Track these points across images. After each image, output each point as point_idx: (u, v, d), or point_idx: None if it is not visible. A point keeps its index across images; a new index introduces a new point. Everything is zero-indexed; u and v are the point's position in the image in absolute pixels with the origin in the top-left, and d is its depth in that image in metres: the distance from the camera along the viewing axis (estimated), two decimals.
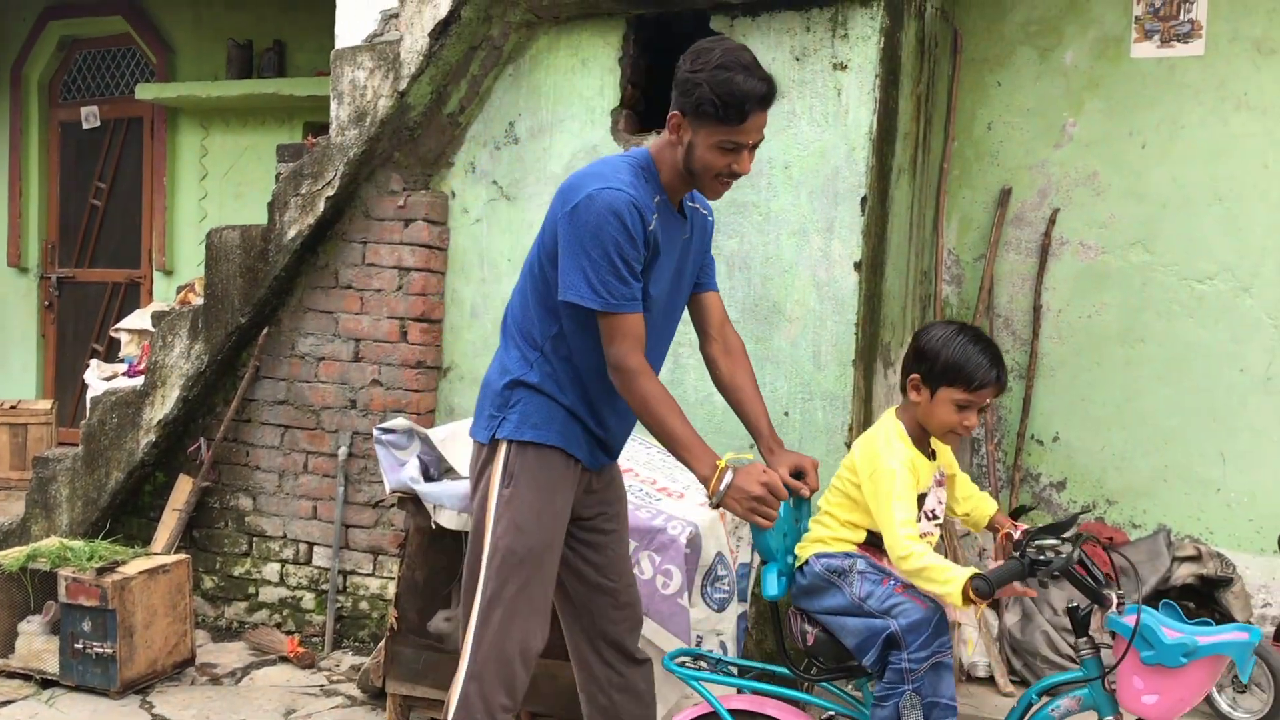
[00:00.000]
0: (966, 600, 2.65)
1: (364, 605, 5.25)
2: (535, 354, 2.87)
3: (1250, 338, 4.92)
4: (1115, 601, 2.70)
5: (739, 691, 3.00)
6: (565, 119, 4.94)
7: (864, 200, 4.43)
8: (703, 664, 3.05)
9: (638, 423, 2.92)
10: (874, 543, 2.97)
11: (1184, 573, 4.60)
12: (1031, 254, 5.26)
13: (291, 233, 5.17)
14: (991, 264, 5.28)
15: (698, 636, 3.61)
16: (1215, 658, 2.64)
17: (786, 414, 4.52)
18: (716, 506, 2.74)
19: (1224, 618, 4.63)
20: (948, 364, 2.86)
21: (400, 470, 3.89)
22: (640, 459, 4.12)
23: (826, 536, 3.00)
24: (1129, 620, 2.65)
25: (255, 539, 5.50)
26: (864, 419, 4.53)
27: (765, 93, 2.70)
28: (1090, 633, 2.82)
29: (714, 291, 3.15)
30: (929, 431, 2.97)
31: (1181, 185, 5.02)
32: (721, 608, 3.67)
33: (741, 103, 2.67)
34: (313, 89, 7.14)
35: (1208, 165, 4.98)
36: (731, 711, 2.93)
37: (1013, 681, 4.58)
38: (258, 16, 7.81)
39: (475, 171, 5.13)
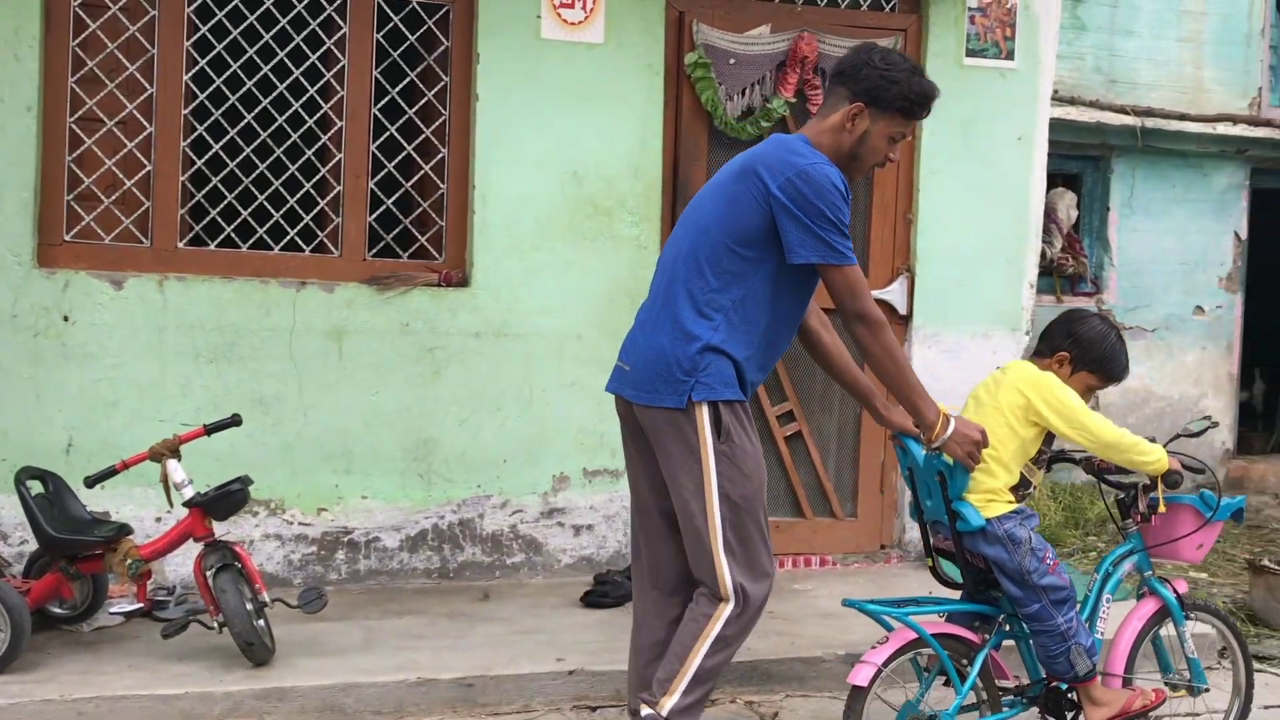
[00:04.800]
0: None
1: None
2: (720, 317, 3.23)
3: None
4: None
5: (944, 617, 3.55)
6: None
7: None
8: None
9: None
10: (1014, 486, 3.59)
11: None
12: None
13: None
14: None
15: None
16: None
17: None
18: (936, 449, 3.31)
19: None
20: (1101, 355, 3.65)
21: None
22: None
23: (998, 489, 3.51)
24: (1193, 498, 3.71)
25: None
26: None
27: (938, 96, 3.36)
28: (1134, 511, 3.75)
29: None
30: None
31: None
32: None
33: (929, 103, 3.33)
34: None
35: None
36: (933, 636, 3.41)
37: None
38: None
39: None
